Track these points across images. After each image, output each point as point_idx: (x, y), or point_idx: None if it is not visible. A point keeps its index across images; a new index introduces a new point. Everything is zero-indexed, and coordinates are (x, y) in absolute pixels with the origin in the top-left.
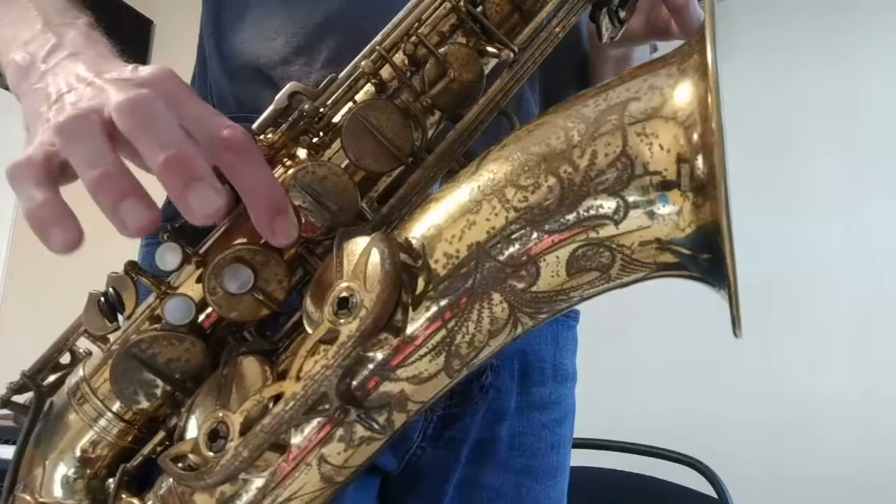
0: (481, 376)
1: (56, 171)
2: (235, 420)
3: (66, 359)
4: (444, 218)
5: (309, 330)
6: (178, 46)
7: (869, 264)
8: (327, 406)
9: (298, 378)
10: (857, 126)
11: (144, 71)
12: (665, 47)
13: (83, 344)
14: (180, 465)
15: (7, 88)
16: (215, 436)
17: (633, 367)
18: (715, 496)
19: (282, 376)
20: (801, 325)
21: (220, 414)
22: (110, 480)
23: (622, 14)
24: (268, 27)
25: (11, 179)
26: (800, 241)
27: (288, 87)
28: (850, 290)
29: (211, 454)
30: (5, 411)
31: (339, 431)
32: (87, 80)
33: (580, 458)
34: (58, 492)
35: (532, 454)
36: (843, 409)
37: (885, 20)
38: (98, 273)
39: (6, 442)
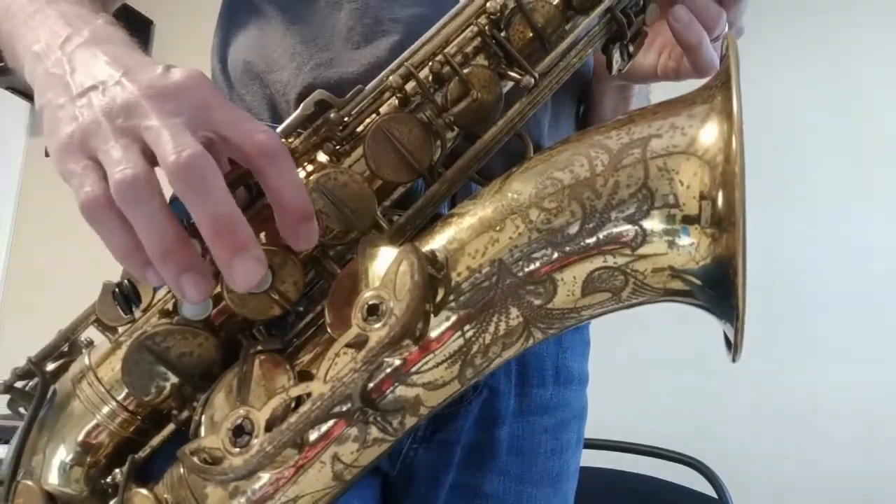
0: None
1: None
2: (261, 417)
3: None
4: (467, 233)
5: (332, 333)
6: (178, 46)
7: (869, 265)
8: (348, 407)
9: (326, 379)
10: (858, 127)
11: (175, 75)
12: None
13: (86, 334)
14: (196, 458)
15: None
16: (240, 431)
17: (633, 367)
18: (715, 496)
19: (302, 376)
20: (802, 326)
21: (244, 410)
22: (117, 471)
23: (631, 48)
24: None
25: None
26: (800, 242)
27: (314, 95)
28: (851, 290)
29: (236, 449)
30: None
31: (355, 431)
32: (114, 77)
33: (581, 458)
34: (55, 479)
35: (531, 459)
36: (843, 410)
37: (885, 20)
38: (98, 274)
39: (6, 442)
